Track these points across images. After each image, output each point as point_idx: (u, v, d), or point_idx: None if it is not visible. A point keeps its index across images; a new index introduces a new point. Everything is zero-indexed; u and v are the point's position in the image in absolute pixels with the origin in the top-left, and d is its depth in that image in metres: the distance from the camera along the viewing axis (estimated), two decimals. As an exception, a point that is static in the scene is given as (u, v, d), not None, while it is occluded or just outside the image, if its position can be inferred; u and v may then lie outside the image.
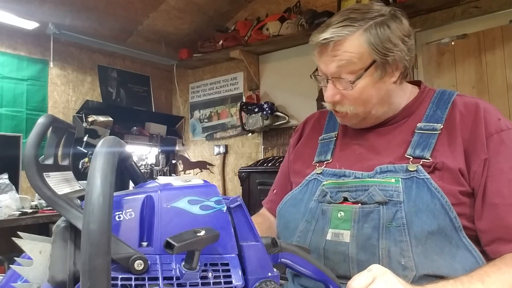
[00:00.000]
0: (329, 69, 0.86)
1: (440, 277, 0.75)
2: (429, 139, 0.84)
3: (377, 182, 0.83)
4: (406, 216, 0.78)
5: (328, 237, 0.85)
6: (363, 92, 0.86)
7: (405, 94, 0.93)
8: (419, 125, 0.88)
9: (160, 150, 3.94)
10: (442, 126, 0.85)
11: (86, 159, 3.13)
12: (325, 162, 0.97)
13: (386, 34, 0.83)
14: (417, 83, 0.98)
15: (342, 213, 0.85)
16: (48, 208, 2.71)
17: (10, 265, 0.53)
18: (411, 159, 0.84)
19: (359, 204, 0.84)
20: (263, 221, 1.08)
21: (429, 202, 0.78)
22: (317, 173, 0.96)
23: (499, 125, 0.83)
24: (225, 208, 0.54)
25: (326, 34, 0.84)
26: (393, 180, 0.82)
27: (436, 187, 0.78)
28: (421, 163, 0.82)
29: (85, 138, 3.19)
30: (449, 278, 0.72)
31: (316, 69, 0.94)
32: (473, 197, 0.82)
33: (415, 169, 0.81)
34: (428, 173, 0.80)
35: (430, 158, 0.82)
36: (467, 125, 0.84)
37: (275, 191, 1.12)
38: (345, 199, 0.86)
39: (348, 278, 0.80)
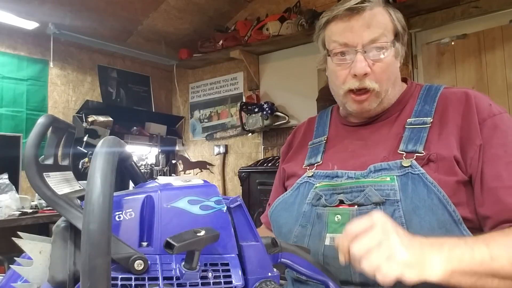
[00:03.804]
0: (363, 37, 0.84)
1: None
2: (420, 133, 0.84)
3: (373, 182, 0.82)
4: (405, 214, 0.77)
5: (327, 242, 0.83)
6: (389, 65, 0.87)
7: (400, 86, 0.95)
8: (408, 120, 0.88)
9: (160, 150, 3.94)
10: (432, 120, 0.85)
11: (86, 159, 3.13)
12: (316, 164, 0.95)
13: (400, 15, 0.90)
14: (403, 80, 0.98)
15: (339, 217, 0.83)
16: (48, 208, 2.71)
17: (10, 265, 0.53)
18: (404, 155, 0.83)
19: (356, 206, 0.82)
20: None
21: (426, 198, 0.77)
22: (308, 176, 0.94)
23: (491, 110, 0.82)
24: (225, 208, 0.54)
25: None
26: (388, 178, 0.81)
27: (432, 181, 0.77)
28: (414, 157, 0.81)
29: (85, 138, 3.19)
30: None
31: (326, 51, 0.91)
32: (470, 186, 0.80)
33: (409, 164, 0.80)
34: (422, 165, 0.79)
35: (423, 151, 0.81)
36: (459, 112, 0.84)
37: (269, 204, 1.10)
38: (341, 202, 0.84)
39: (350, 283, 0.79)
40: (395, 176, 0.81)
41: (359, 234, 0.61)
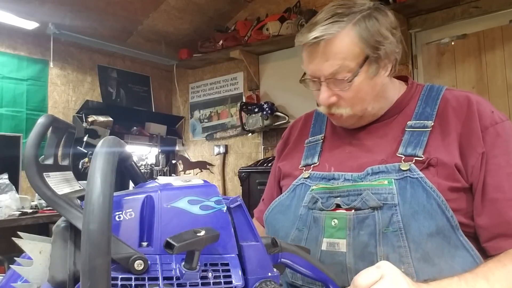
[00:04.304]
0: (323, 70, 0.82)
1: None
2: (420, 136, 0.82)
3: (370, 185, 0.80)
4: (403, 219, 0.76)
5: (323, 247, 0.82)
6: (359, 91, 0.83)
7: (396, 88, 0.92)
8: (409, 123, 0.85)
9: (160, 150, 3.94)
10: (433, 123, 0.83)
11: (86, 159, 3.13)
12: (312, 165, 0.93)
13: (375, 27, 0.82)
14: (404, 79, 0.95)
15: (336, 221, 0.82)
16: (48, 208, 2.71)
17: (10, 265, 0.53)
18: (403, 158, 0.81)
19: (353, 211, 0.80)
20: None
21: (425, 203, 0.75)
22: (304, 178, 0.92)
23: (493, 117, 0.81)
24: (225, 208, 0.54)
25: (316, 33, 0.80)
26: (386, 182, 0.79)
27: (431, 186, 0.76)
28: (413, 161, 0.79)
29: (85, 138, 3.19)
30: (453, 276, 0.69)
31: (304, 74, 0.90)
32: (470, 193, 0.80)
33: (407, 168, 0.79)
34: (422, 169, 0.78)
35: (422, 155, 0.79)
36: (460, 119, 0.82)
37: (263, 200, 1.09)
38: (338, 206, 0.83)
39: None
40: (393, 180, 0.79)
41: (368, 286, 0.59)
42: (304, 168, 0.95)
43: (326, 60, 0.81)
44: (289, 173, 0.99)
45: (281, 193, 0.98)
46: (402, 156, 0.81)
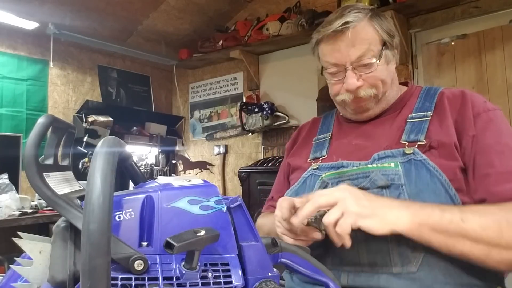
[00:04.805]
0: (350, 55, 0.89)
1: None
2: (421, 125, 0.89)
3: (377, 167, 0.86)
4: (409, 198, 0.80)
5: None
6: (381, 73, 0.91)
7: (398, 88, 1.01)
8: (410, 115, 0.93)
9: (160, 150, 3.94)
10: (432, 113, 0.90)
11: (86, 159, 3.13)
12: (321, 158, 0.99)
13: (386, 20, 0.94)
14: (404, 84, 1.04)
15: None
16: (48, 208, 2.71)
17: (10, 265, 0.53)
18: (406, 144, 0.87)
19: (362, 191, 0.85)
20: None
21: (429, 182, 0.80)
22: (313, 169, 0.97)
23: (485, 105, 0.87)
24: (225, 208, 0.54)
25: (344, 19, 0.88)
26: (392, 164, 0.84)
27: (434, 166, 0.81)
28: (416, 146, 0.85)
29: (85, 138, 3.19)
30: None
31: (322, 68, 0.96)
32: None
33: (411, 151, 0.84)
34: (424, 152, 0.83)
35: (424, 140, 0.85)
36: (455, 108, 0.89)
37: (273, 197, 1.13)
38: None
39: (357, 265, 0.83)
40: (398, 162, 0.84)
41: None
42: (313, 161, 1.00)
43: (353, 46, 0.89)
44: (298, 166, 1.04)
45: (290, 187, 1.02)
46: (406, 142, 0.87)
